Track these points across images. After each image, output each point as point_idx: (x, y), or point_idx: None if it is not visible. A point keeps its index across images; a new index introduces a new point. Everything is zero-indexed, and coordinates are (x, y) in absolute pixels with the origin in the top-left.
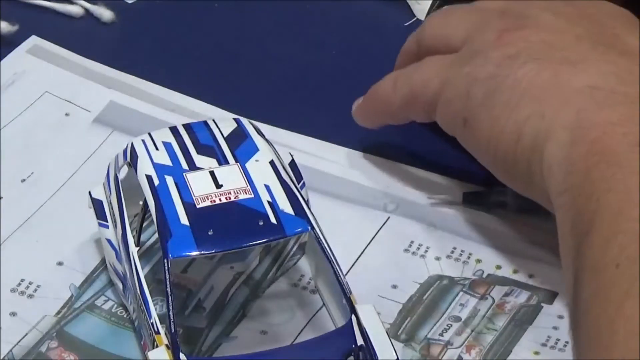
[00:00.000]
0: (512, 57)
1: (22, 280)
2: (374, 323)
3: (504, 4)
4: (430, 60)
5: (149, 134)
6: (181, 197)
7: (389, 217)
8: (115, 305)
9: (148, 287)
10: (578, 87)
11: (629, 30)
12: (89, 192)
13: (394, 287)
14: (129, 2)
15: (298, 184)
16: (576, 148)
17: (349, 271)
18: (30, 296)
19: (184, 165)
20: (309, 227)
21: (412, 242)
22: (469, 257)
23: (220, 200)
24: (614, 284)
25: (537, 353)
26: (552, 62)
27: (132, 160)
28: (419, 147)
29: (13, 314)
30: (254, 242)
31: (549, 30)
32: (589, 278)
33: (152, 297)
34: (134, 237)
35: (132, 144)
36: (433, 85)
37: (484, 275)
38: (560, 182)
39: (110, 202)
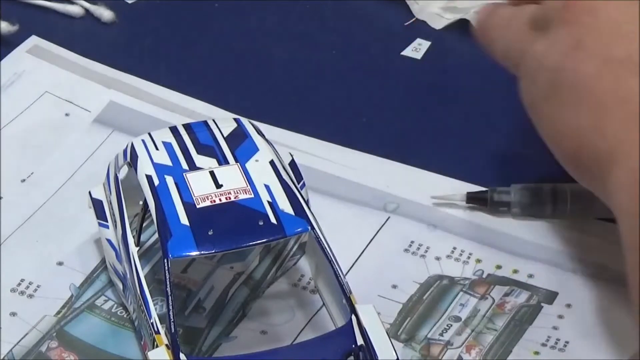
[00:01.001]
0: (576, 47)
1: (22, 280)
2: (374, 323)
3: None
4: (517, 18)
5: (149, 134)
6: (181, 197)
7: (389, 217)
8: (115, 305)
9: (148, 287)
10: None
11: None
12: (89, 192)
13: (394, 287)
14: (129, 2)
15: (298, 184)
16: None
17: (349, 271)
18: (30, 296)
19: (184, 165)
20: (309, 227)
21: (412, 242)
22: (469, 257)
23: (220, 200)
24: None
25: (537, 353)
26: (614, 64)
27: (132, 160)
28: (419, 147)
29: (13, 314)
30: (254, 242)
31: (617, 10)
32: None
33: (152, 297)
34: (134, 237)
35: (132, 144)
36: (516, 52)
37: (484, 275)
38: (628, 204)
39: (110, 202)
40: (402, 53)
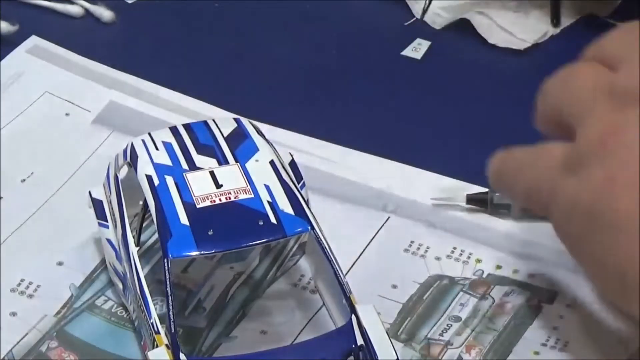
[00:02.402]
0: (610, 182)
1: (22, 280)
2: (374, 323)
3: (613, 77)
4: (545, 152)
5: (149, 134)
6: (181, 197)
7: (389, 217)
8: (115, 305)
9: (148, 287)
10: None
11: None
12: (89, 192)
13: (394, 287)
14: (129, 2)
15: (298, 184)
16: None
17: (349, 271)
18: (30, 296)
19: (184, 165)
20: (309, 227)
21: (412, 242)
22: (469, 257)
23: (220, 200)
24: None
25: (537, 353)
26: None
27: (132, 160)
28: (420, 147)
29: (13, 314)
30: (254, 242)
31: None
32: None
33: (152, 297)
34: (134, 237)
35: (132, 144)
36: (544, 192)
37: (484, 275)
38: None
39: (110, 202)
40: (402, 53)
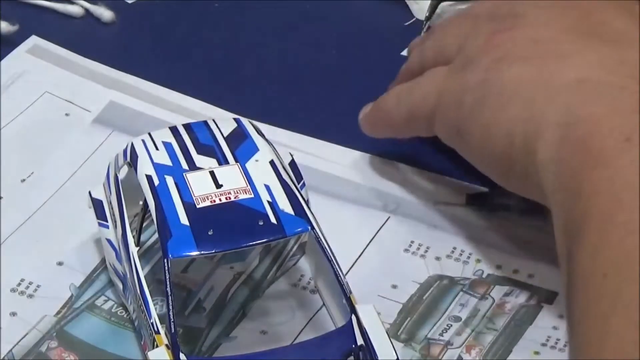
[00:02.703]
0: (499, 60)
1: (22, 280)
2: (374, 323)
3: (492, 5)
4: (429, 74)
5: (149, 134)
6: (181, 197)
7: (389, 217)
8: (115, 305)
9: (148, 287)
10: (565, 81)
11: (616, 14)
12: (89, 192)
13: (394, 287)
14: (129, 2)
15: (298, 184)
16: (565, 145)
17: (349, 271)
18: (30, 296)
19: (184, 165)
20: (309, 227)
21: (412, 242)
22: (469, 257)
23: (220, 200)
24: (602, 296)
25: (537, 353)
26: (538, 59)
27: (132, 160)
28: (420, 147)
29: (13, 314)
30: (254, 242)
31: (535, 27)
32: (580, 287)
33: (152, 297)
34: (134, 237)
35: (132, 144)
36: (430, 100)
37: (484, 275)
38: (552, 181)
39: (110, 202)
40: (402, 53)
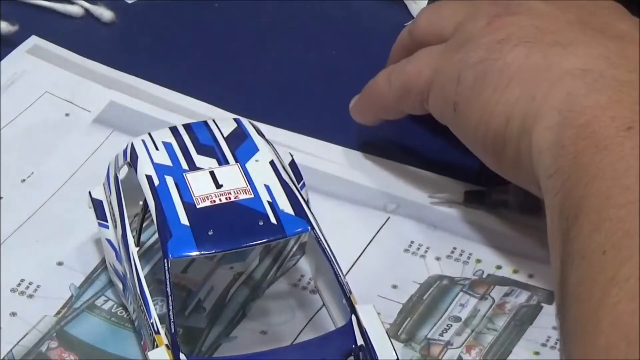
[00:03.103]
0: (502, 41)
1: (22, 280)
2: (374, 323)
3: None
4: (422, 52)
5: (149, 134)
6: (181, 197)
7: (389, 217)
8: (115, 305)
9: (148, 287)
10: (568, 69)
11: (618, 17)
12: (89, 192)
13: (394, 287)
14: (129, 2)
15: (298, 184)
16: (565, 131)
17: (349, 271)
18: (30, 296)
19: (184, 165)
20: (309, 227)
21: (412, 242)
22: (469, 257)
23: (220, 200)
24: (600, 270)
25: (537, 353)
26: (542, 45)
27: (132, 160)
28: (419, 147)
29: (13, 314)
30: (254, 242)
31: (540, 16)
32: (577, 263)
33: (152, 297)
34: (134, 237)
35: (132, 144)
36: (425, 75)
37: (484, 275)
38: (549, 165)
39: (110, 202)
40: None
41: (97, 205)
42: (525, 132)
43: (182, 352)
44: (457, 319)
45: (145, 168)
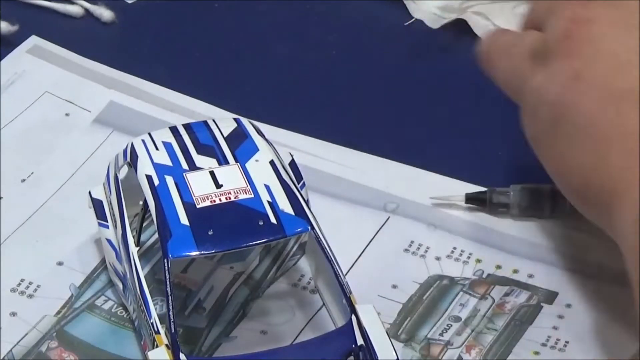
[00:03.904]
0: (576, 79)
1: (22, 280)
2: (374, 323)
3: None
4: (527, 36)
5: (149, 134)
6: (181, 197)
7: (389, 217)
8: (115, 305)
9: (148, 287)
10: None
11: None
12: (89, 192)
13: (394, 287)
14: (129, 2)
15: (298, 184)
16: None
17: (349, 271)
18: (30, 296)
19: (184, 165)
20: (309, 227)
21: (412, 242)
22: (469, 257)
23: (220, 200)
24: None
25: (537, 353)
26: (615, 97)
27: (132, 160)
28: (419, 147)
29: (13, 314)
30: (254, 242)
31: (613, 27)
32: None
33: (152, 297)
34: (134, 237)
35: (132, 144)
36: (516, 82)
37: (484, 275)
38: (632, 239)
39: (110, 202)
40: (402, 53)
41: (97, 205)
42: (605, 202)
43: (182, 352)
44: (457, 318)
45: (145, 168)
